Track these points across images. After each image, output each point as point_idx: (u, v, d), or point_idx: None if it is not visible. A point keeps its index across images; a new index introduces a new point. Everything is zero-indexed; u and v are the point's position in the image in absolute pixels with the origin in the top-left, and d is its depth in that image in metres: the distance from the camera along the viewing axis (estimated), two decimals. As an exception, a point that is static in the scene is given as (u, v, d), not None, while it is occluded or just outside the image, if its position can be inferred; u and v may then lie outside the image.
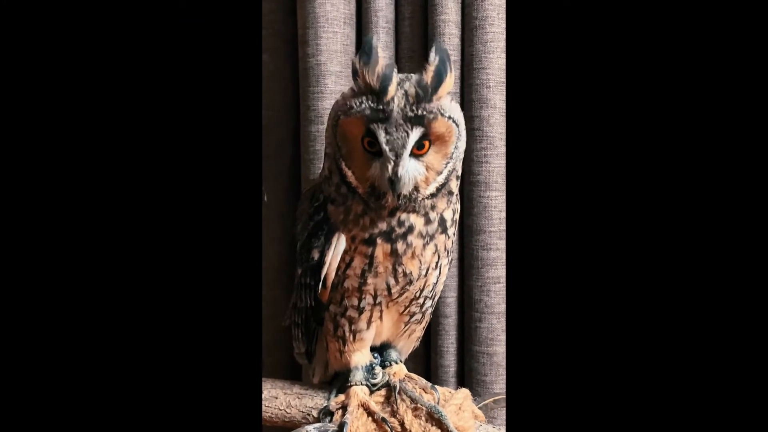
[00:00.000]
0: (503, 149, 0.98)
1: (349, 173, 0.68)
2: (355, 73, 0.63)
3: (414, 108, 0.62)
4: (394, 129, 0.63)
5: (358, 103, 0.64)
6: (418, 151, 0.65)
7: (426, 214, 0.69)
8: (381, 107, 0.62)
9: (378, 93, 0.62)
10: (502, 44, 0.97)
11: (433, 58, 0.63)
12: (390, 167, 0.64)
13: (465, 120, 0.97)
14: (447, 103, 0.65)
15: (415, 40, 1.03)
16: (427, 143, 0.65)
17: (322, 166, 0.76)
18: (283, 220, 1.08)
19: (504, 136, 0.98)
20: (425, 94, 0.62)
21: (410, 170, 0.65)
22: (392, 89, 0.62)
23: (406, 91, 0.63)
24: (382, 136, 0.63)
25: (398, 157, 0.63)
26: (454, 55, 0.99)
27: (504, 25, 0.97)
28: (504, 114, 0.98)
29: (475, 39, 0.97)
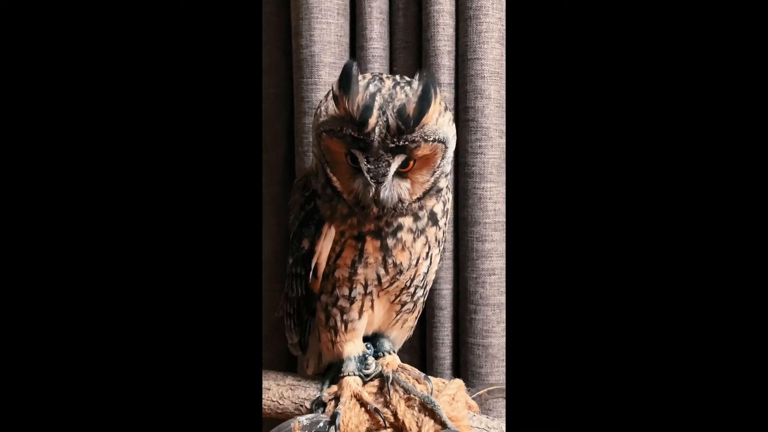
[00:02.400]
0: (498, 140, 0.98)
1: (334, 179, 0.67)
2: (336, 99, 0.61)
3: (395, 139, 0.60)
4: (374, 158, 0.61)
5: (338, 128, 0.62)
6: (402, 170, 0.64)
7: (414, 213, 0.69)
8: (362, 137, 0.60)
9: (358, 124, 0.60)
10: (497, 34, 0.96)
11: (417, 87, 0.61)
12: (371, 191, 0.63)
13: (459, 111, 0.98)
14: (432, 124, 0.62)
15: (410, 30, 1.02)
16: (411, 162, 0.64)
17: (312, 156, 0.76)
18: (278, 214, 1.08)
19: (499, 127, 0.98)
20: (406, 126, 0.60)
21: (393, 189, 0.64)
22: (372, 121, 0.60)
23: (387, 121, 0.60)
24: (363, 163, 0.62)
25: (379, 184, 0.62)
26: (448, 46, 0.98)
27: (498, 15, 0.96)
28: (499, 105, 0.97)
29: (470, 29, 0.96)
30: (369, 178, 0.62)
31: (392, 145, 0.61)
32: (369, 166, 0.62)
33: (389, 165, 0.62)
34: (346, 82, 0.60)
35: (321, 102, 0.67)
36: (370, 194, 0.63)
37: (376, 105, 0.60)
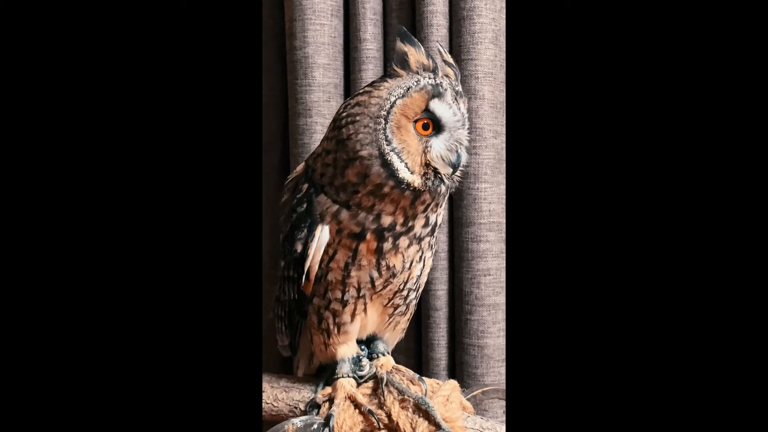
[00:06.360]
0: (492, 141, 0.98)
1: (401, 167, 0.65)
2: (402, 56, 0.66)
3: (458, 83, 0.68)
4: (453, 101, 0.66)
5: (416, 82, 0.65)
6: None
7: (428, 217, 0.69)
8: (439, 82, 0.66)
9: (433, 69, 0.67)
10: (490, 35, 0.96)
11: (444, 49, 0.71)
12: (462, 137, 0.67)
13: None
14: None
15: (403, 31, 1.02)
16: None
17: (307, 157, 0.76)
18: (272, 216, 1.08)
19: (493, 128, 0.98)
20: (458, 72, 0.69)
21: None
22: (439, 65, 0.67)
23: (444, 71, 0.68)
24: (446, 110, 0.66)
25: (464, 127, 0.67)
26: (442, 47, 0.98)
27: (492, 16, 0.96)
28: (492, 105, 0.97)
29: (463, 30, 0.96)
30: (456, 121, 0.66)
31: (458, 88, 0.68)
32: (451, 110, 0.66)
33: (463, 108, 0.68)
34: (410, 39, 0.67)
35: (367, 100, 0.66)
36: (456, 144, 0.67)
37: None
